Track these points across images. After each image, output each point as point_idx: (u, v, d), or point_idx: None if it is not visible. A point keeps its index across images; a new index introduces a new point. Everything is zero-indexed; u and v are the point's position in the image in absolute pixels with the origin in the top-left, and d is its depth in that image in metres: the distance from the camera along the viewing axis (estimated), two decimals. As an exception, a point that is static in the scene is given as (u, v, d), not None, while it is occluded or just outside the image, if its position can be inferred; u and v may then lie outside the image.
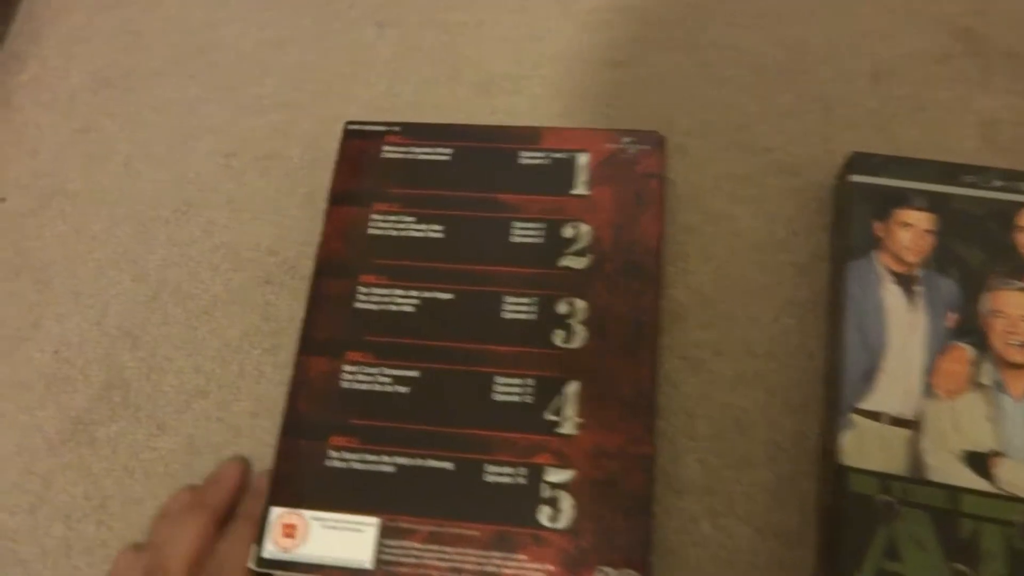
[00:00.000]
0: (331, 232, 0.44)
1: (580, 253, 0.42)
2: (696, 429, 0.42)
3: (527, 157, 0.45)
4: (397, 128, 0.47)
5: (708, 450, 0.42)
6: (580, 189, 0.44)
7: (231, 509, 0.43)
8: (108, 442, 0.46)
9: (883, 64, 0.49)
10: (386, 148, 0.46)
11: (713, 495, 0.41)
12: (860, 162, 0.43)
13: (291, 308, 0.48)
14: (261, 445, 0.45)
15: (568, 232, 0.43)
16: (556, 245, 0.43)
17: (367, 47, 0.55)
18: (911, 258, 0.41)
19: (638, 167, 0.44)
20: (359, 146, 0.47)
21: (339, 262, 0.44)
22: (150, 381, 0.47)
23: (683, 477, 0.41)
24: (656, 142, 0.44)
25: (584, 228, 0.43)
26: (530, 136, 0.46)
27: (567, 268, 0.42)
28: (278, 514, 0.39)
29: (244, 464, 0.44)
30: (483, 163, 0.45)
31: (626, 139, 0.45)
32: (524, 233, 0.43)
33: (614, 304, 0.41)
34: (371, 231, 0.44)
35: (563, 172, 0.44)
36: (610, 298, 0.41)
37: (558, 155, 0.45)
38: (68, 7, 0.60)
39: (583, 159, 0.45)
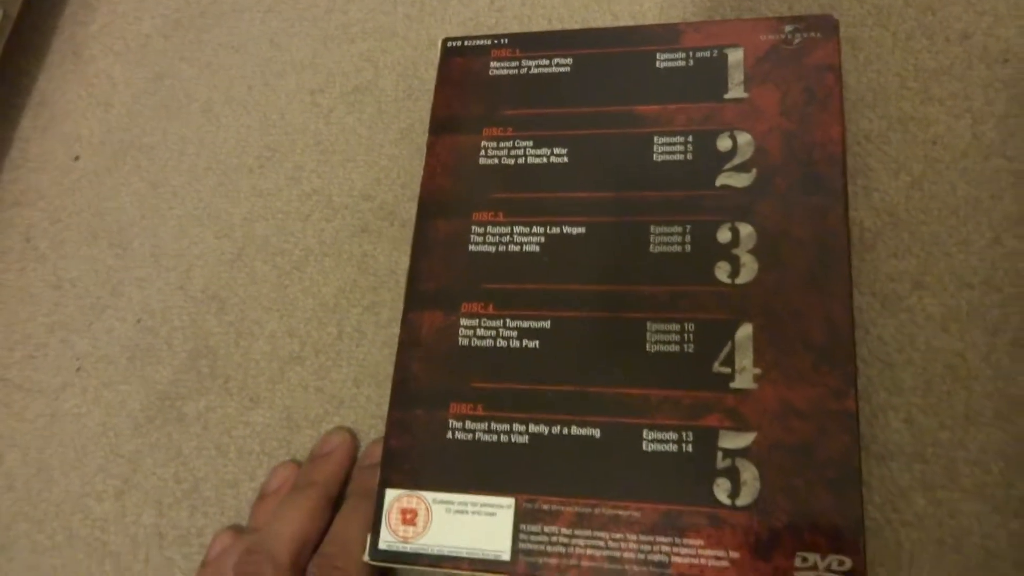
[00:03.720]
0: (435, 166, 0.37)
1: (741, 168, 0.34)
2: (899, 381, 0.34)
3: (666, 60, 0.37)
4: (505, 40, 0.40)
5: (916, 406, 0.33)
6: (735, 92, 0.36)
7: (342, 486, 0.37)
8: (197, 418, 0.40)
9: (1109, -81, 0.39)
10: (494, 64, 0.39)
11: (926, 462, 0.32)
12: (1103, 32, 0.33)
13: (391, 259, 0.41)
14: (366, 416, 0.38)
15: (724, 144, 0.35)
16: (710, 161, 0.35)
17: (463, -41, 0.47)
18: None
19: (807, 59, 0.35)
20: (462, 65, 0.39)
21: (447, 199, 0.37)
22: (239, 348, 0.41)
23: (885, 440, 0.33)
24: (829, 27, 0.36)
25: (744, 138, 0.35)
26: (667, 34, 0.37)
27: (726, 187, 0.34)
28: (394, 497, 0.32)
29: (351, 435, 0.38)
30: (611, 72, 0.37)
31: (789, 27, 0.36)
32: (669, 149, 0.35)
33: (790, 227, 0.33)
34: (483, 161, 0.37)
35: (713, 73, 0.36)
36: (784, 220, 0.33)
37: (704, 53, 0.37)
38: (136, -51, 0.55)
39: (736, 55, 0.36)
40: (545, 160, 0.36)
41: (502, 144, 0.37)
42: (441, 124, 0.38)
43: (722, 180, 0.34)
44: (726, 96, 0.36)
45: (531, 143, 0.37)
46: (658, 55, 0.37)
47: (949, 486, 0.32)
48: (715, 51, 0.37)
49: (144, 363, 0.42)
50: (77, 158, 0.49)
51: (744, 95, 0.35)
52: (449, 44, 0.40)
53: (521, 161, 0.37)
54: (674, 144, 0.35)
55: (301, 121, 0.46)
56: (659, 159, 0.35)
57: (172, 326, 0.43)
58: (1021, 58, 0.37)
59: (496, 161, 0.37)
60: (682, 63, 0.37)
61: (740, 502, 0.29)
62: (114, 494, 0.40)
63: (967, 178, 0.36)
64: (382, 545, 0.31)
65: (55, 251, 0.47)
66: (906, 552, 0.31)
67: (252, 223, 0.44)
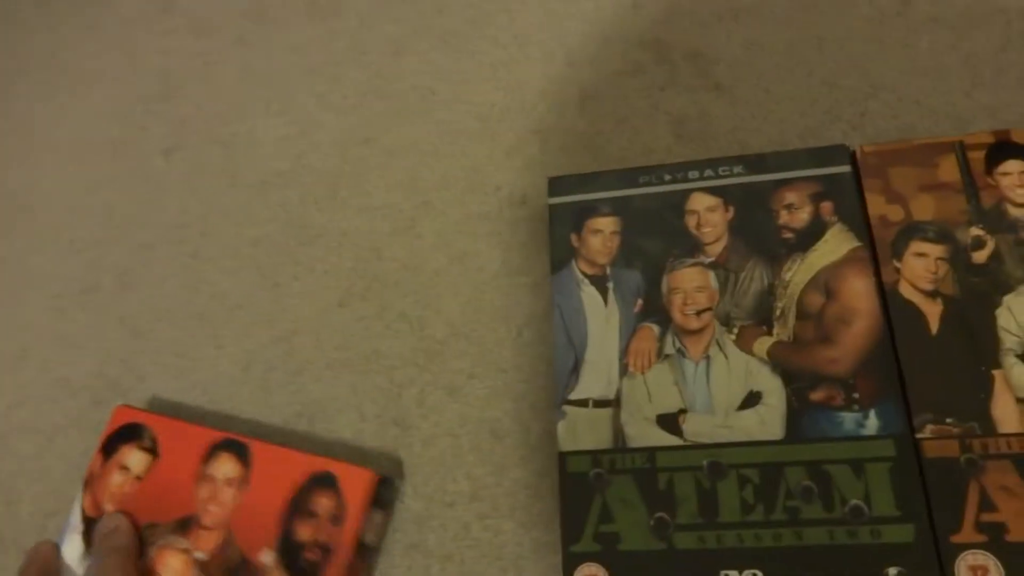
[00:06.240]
0: None
1: None
2: (460, 447, 0.48)
3: None
4: None
5: (472, 463, 0.47)
6: None
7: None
8: None
9: (588, 89, 0.56)
10: None
11: (480, 501, 0.46)
12: (555, 186, 0.49)
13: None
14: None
15: None
16: None
17: (159, 175, 0.62)
18: (602, 260, 0.46)
19: None
20: None
21: None
22: (9, 510, 0.53)
23: (453, 491, 0.47)
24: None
25: None
26: None
27: None
28: None
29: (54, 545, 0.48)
30: None
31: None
32: None
33: None
34: None
35: None
36: None
37: None
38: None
39: None
40: None
41: None
42: None
43: None
44: None
45: None
46: None
47: (493, 515, 0.46)
48: None
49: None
50: None
51: None
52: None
53: None
54: None
55: (46, 321, 0.59)
56: None
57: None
58: (532, 200, 0.53)
59: None
60: None
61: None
62: None
63: (500, 292, 0.51)
64: None
65: None
66: (469, 569, 0.45)
67: (13, 410, 0.56)
